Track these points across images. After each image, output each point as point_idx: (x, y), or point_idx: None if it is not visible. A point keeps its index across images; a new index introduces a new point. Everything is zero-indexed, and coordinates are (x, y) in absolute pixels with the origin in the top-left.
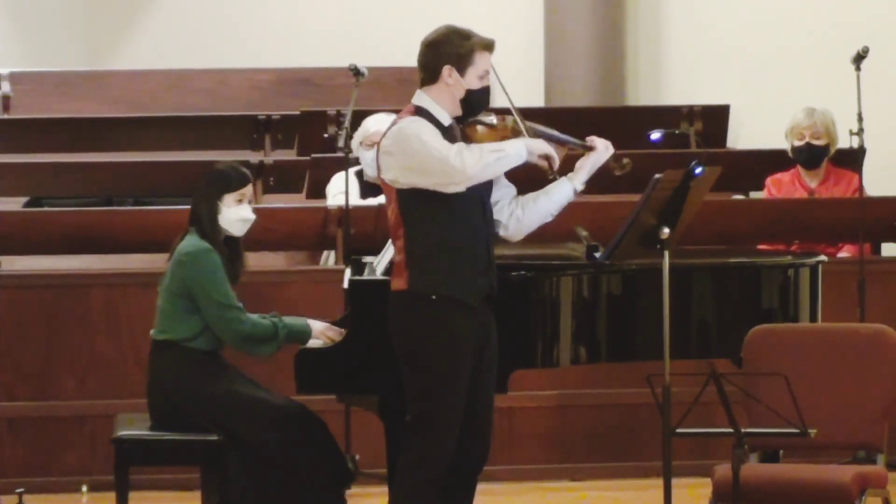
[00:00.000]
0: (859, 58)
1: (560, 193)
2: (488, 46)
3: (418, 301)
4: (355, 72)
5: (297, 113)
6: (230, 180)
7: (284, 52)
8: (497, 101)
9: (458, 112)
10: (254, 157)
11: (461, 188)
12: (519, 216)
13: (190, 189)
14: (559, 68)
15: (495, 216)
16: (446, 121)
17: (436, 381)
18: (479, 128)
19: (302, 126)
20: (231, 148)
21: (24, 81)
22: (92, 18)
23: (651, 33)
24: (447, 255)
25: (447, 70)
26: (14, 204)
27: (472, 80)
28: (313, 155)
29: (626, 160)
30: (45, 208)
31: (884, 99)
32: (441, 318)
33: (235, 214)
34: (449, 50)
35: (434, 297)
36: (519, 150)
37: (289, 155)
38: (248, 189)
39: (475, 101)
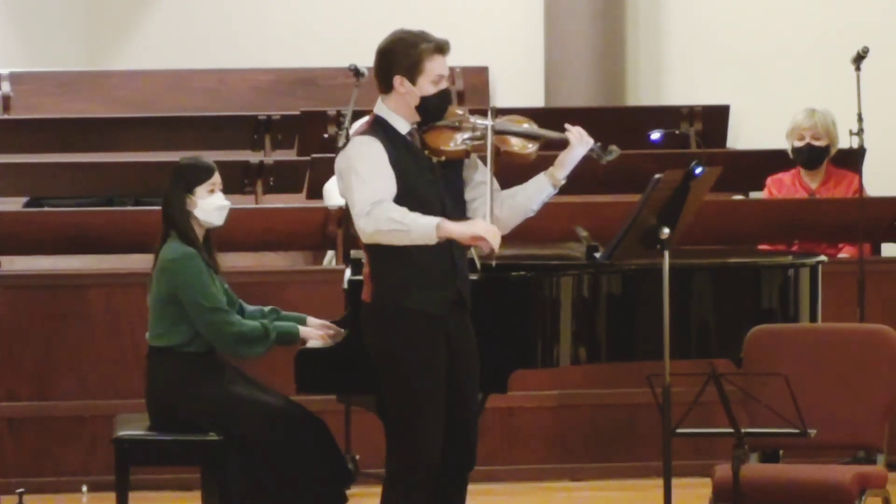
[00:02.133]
0: (859, 58)
1: (538, 191)
2: (440, 49)
3: (381, 312)
4: (355, 72)
5: (297, 113)
6: (198, 173)
7: (284, 52)
8: (499, 100)
9: (416, 118)
10: (254, 157)
11: (366, 242)
12: (497, 214)
13: None
14: (559, 68)
15: (471, 214)
16: (404, 129)
17: (408, 390)
18: (437, 134)
19: (302, 126)
20: (231, 148)
21: (24, 81)
22: (92, 18)
23: (651, 33)
24: (405, 267)
25: (398, 80)
26: (14, 204)
27: (425, 88)
28: (313, 155)
29: (611, 147)
30: (45, 208)
31: (884, 99)
32: (404, 329)
33: (212, 204)
34: (397, 60)
35: (394, 308)
36: (426, 232)
37: (289, 155)
38: (217, 178)
39: (431, 108)
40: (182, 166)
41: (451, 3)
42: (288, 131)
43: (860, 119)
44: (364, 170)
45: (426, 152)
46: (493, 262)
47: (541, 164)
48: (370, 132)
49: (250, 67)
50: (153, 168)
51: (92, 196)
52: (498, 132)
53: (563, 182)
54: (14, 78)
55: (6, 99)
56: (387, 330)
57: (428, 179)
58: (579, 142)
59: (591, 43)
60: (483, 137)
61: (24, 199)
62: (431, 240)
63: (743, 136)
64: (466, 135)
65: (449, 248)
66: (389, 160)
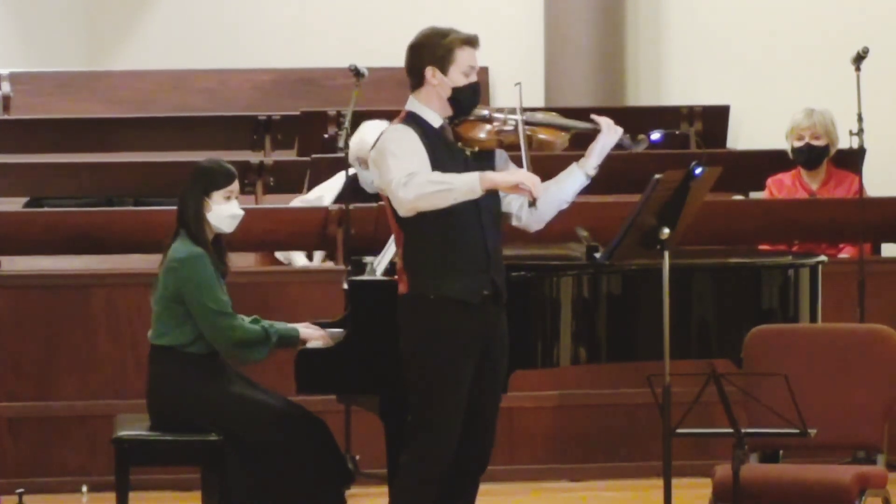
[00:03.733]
0: (859, 58)
1: (571, 181)
2: (469, 42)
3: (417, 303)
4: (356, 72)
5: (298, 113)
6: (218, 177)
7: (284, 53)
8: (500, 100)
9: (448, 112)
10: (254, 157)
11: (407, 214)
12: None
13: None
14: (559, 68)
15: (506, 209)
16: (437, 122)
17: (436, 381)
18: (470, 125)
19: (302, 126)
20: (231, 148)
21: (24, 81)
22: (92, 18)
23: (651, 33)
24: (442, 256)
25: (430, 71)
26: (14, 204)
27: (456, 78)
28: (313, 155)
29: (639, 136)
30: (45, 208)
31: (884, 99)
32: (440, 319)
33: (226, 211)
34: (428, 51)
35: (431, 297)
36: (470, 186)
37: (289, 155)
38: (236, 185)
39: (463, 99)
40: (203, 168)
41: (451, 4)
42: (288, 131)
43: (860, 119)
44: (399, 150)
45: (459, 144)
46: (535, 205)
47: (570, 159)
48: (404, 123)
49: (250, 67)
50: (153, 168)
51: (92, 196)
52: (529, 123)
53: (594, 172)
54: (14, 78)
55: (6, 99)
56: (421, 319)
57: (462, 171)
58: (609, 130)
59: (591, 43)
60: (515, 128)
61: (25, 199)
62: (476, 193)
63: (743, 136)
64: (498, 125)
65: (482, 237)
66: (424, 147)
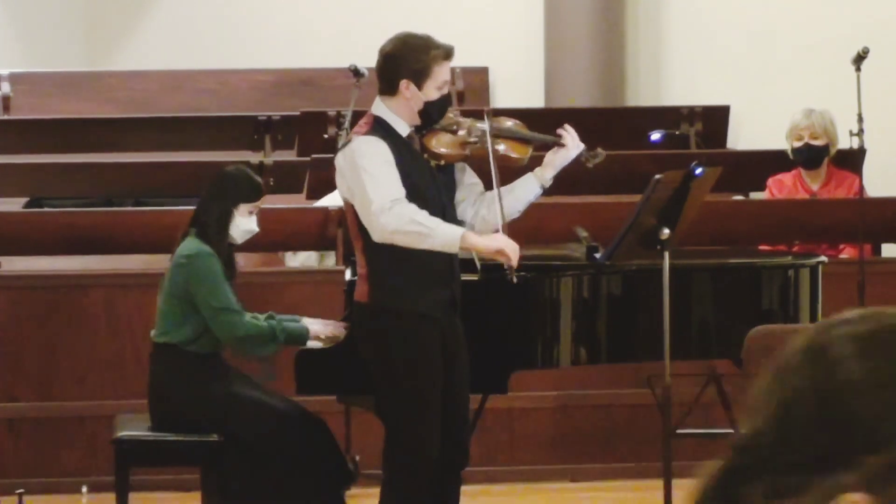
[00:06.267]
0: (859, 58)
1: (526, 192)
2: (447, 56)
3: (379, 314)
4: (355, 72)
5: (298, 114)
6: (249, 191)
7: (284, 53)
8: (500, 100)
9: (417, 122)
10: (254, 157)
11: (378, 240)
12: (484, 215)
13: (190, 189)
14: (559, 68)
15: (460, 216)
16: (404, 131)
17: (406, 392)
18: (436, 137)
19: (302, 127)
20: (231, 148)
21: (24, 82)
22: (92, 18)
23: (651, 33)
24: (405, 268)
25: (404, 84)
26: (14, 204)
27: (430, 93)
28: (313, 156)
29: (598, 150)
30: (45, 208)
31: (884, 99)
32: (402, 331)
33: (245, 225)
34: (406, 64)
35: (392, 310)
36: (448, 241)
37: (289, 155)
38: (261, 202)
39: (434, 111)
40: (234, 177)
41: (451, 3)
42: (288, 132)
43: (860, 119)
44: (374, 169)
45: (425, 156)
46: (514, 279)
47: (530, 164)
48: (373, 132)
49: (250, 67)
50: (153, 168)
51: (92, 196)
52: (495, 136)
53: (549, 183)
54: (14, 78)
55: (6, 99)
56: (383, 332)
57: (428, 181)
58: (573, 146)
59: (591, 43)
60: (480, 141)
61: (25, 200)
62: (454, 249)
63: (743, 136)
64: (464, 138)
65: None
66: (394, 161)
